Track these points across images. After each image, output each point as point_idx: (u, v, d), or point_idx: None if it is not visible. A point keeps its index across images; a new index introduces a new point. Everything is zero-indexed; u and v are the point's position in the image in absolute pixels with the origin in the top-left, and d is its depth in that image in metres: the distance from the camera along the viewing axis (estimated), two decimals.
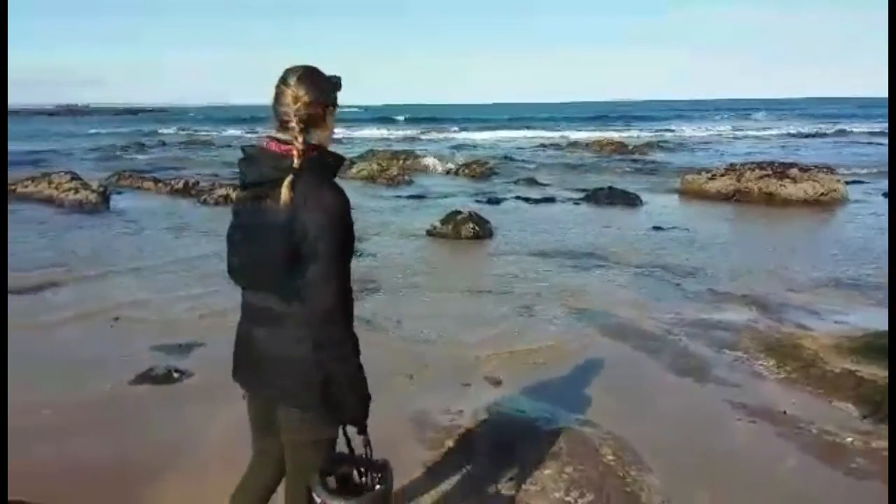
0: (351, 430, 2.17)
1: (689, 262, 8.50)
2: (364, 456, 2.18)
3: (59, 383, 4.73)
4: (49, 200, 13.32)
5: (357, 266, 8.09)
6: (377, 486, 2.15)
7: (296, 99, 2.00)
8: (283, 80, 2.03)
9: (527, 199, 14.27)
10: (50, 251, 9.01)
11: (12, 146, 29.73)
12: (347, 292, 2.06)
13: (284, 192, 1.93)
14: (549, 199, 14.27)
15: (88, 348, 5.54)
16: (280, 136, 2.03)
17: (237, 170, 2.13)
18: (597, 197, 14.01)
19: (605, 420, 4.20)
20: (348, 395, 2.06)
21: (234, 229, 2.15)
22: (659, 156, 25.36)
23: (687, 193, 14.89)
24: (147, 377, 4.87)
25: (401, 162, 21.35)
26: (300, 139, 1.99)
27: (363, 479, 2.16)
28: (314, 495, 2.10)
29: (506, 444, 3.91)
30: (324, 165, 2.04)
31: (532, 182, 17.49)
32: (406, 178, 17.82)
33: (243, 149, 2.13)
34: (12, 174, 17.00)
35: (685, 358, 5.37)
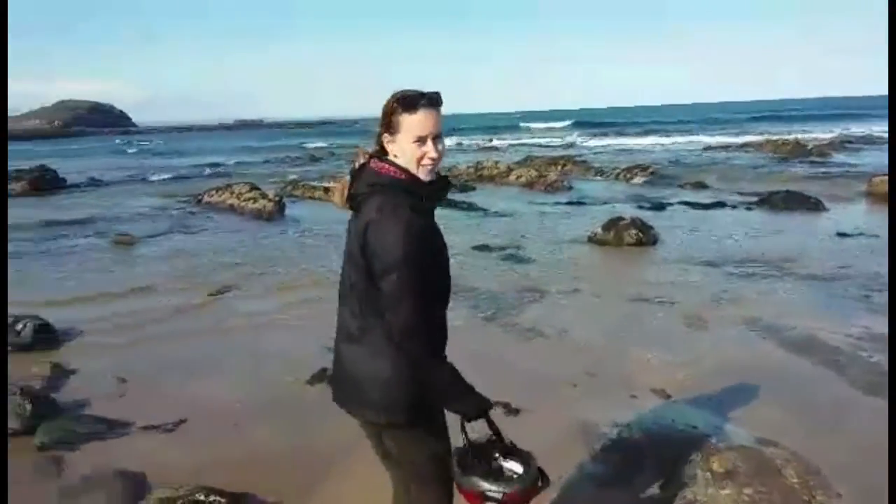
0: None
1: (879, 273, 7.79)
2: (507, 443, 2.20)
3: (247, 379, 5.07)
4: (231, 209, 14.36)
5: (518, 273, 8.17)
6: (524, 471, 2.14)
7: (379, 121, 2.11)
8: None
9: (693, 204, 13.68)
10: (237, 256, 9.69)
11: (201, 159, 32.38)
12: (426, 306, 2.06)
13: (364, 209, 2.04)
14: (719, 204, 13.60)
15: (272, 346, 5.89)
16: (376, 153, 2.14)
17: None
18: (772, 201, 13.19)
19: (786, 439, 3.93)
20: (452, 403, 2.12)
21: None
22: (841, 157, 23.48)
23: (876, 197, 13.68)
24: (323, 376, 5.09)
25: (559, 167, 21.17)
26: (381, 158, 2.10)
27: (507, 463, 2.18)
28: (457, 480, 2.13)
29: (677, 461, 3.74)
30: (400, 186, 2.06)
31: (699, 186, 16.75)
32: (565, 183, 17.63)
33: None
34: (200, 184, 18.52)
35: (876, 376, 4.92)
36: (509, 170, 20.02)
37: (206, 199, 15.46)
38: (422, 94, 2.06)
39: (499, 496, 2.08)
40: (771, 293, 7.14)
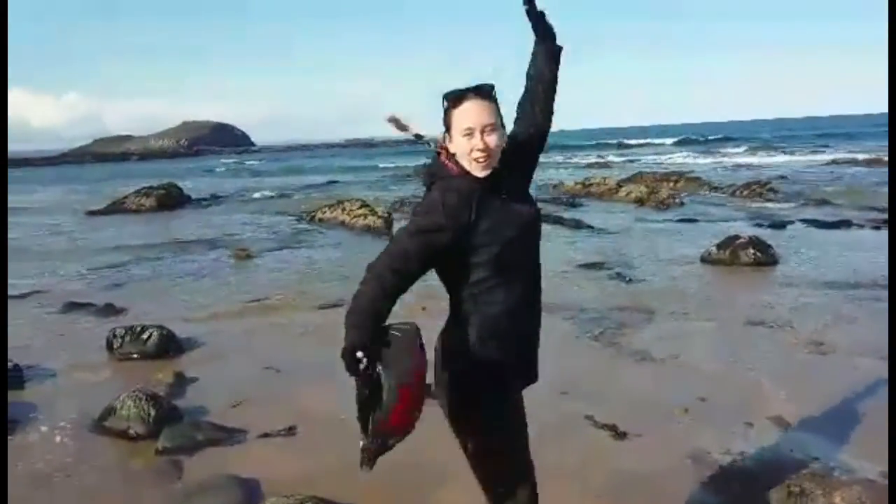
0: None
1: None
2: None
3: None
4: (342, 224, 14.77)
5: (627, 293, 7.98)
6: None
7: None
8: None
9: (816, 223, 13.01)
10: (347, 269, 9.91)
11: (317, 177, 33.49)
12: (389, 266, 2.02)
13: None
14: (844, 223, 12.85)
15: None
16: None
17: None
18: None
19: None
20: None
21: None
22: None
23: None
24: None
25: (671, 184, 20.64)
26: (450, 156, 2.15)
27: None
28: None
29: (797, 492, 3.55)
30: (453, 180, 2.12)
31: (822, 203, 15.94)
32: (677, 200, 17.15)
33: None
34: (315, 202, 19.15)
35: None
36: (619, 186, 19.70)
37: (318, 215, 15.97)
38: (469, 88, 2.11)
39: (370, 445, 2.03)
40: None
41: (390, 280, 1.99)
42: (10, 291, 8.28)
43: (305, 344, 6.43)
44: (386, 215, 14.66)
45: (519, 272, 2.18)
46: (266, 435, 4.44)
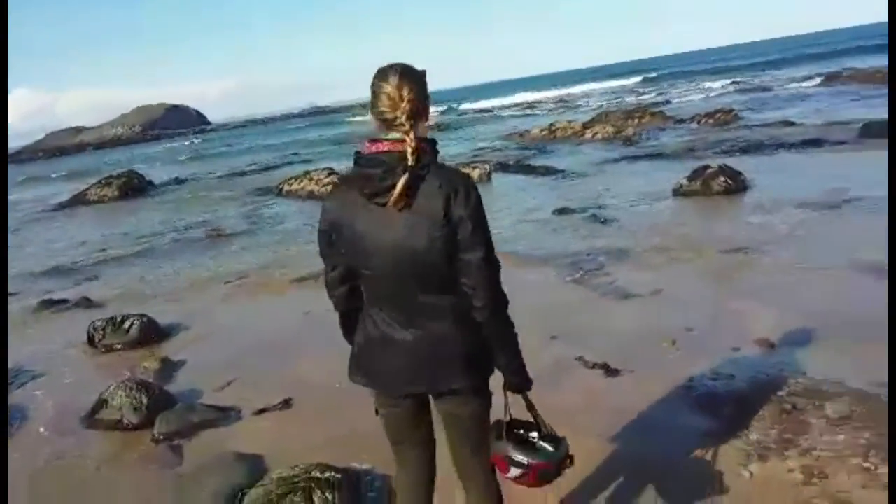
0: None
1: None
2: (546, 428, 2.30)
3: (343, 361, 5.15)
4: (312, 195, 14.59)
5: (604, 234, 8.03)
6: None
7: (401, 97, 1.96)
8: (384, 79, 1.99)
9: (786, 145, 13.07)
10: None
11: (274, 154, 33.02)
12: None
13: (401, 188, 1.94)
14: (814, 143, 12.91)
15: None
16: (386, 135, 2.02)
17: None
18: (872, 131, 12.38)
19: None
20: (515, 368, 2.24)
21: None
22: None
23: None
24: None
25: (636, 120, 20.66)
26: (411, 135, 1.96)
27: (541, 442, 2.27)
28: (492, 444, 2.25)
29: (789, 409, 3.63)
30: (435, 155, 2.04)
31: (787, 124, 16.03)
32: (644, 135, 17.19)
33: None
34: (280, 175, 18.91)
35: None
36: (584, 128, 19.68)
37: (286, 187, 15.77)
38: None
39: (524, 463, 2.19)
40: (873, 230, 6.74)
41: None
42: None
43: (289, 317, 6.38)
44: None
45: None
46: (262, 411, 4.43)
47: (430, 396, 2.23)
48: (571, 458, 2.27)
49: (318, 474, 3.27)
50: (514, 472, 2.20)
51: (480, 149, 20.13)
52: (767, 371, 4.13)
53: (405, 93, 1.96)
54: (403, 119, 1.96)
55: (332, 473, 3.29)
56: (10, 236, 14.30)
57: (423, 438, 2.35)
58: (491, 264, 2.00)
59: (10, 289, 8.92)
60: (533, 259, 7.32)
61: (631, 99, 37.01)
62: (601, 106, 33.01)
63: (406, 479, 2.41)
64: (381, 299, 2.12)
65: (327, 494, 3.15)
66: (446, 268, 1.98)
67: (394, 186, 1.92)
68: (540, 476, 2.22)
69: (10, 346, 6.27)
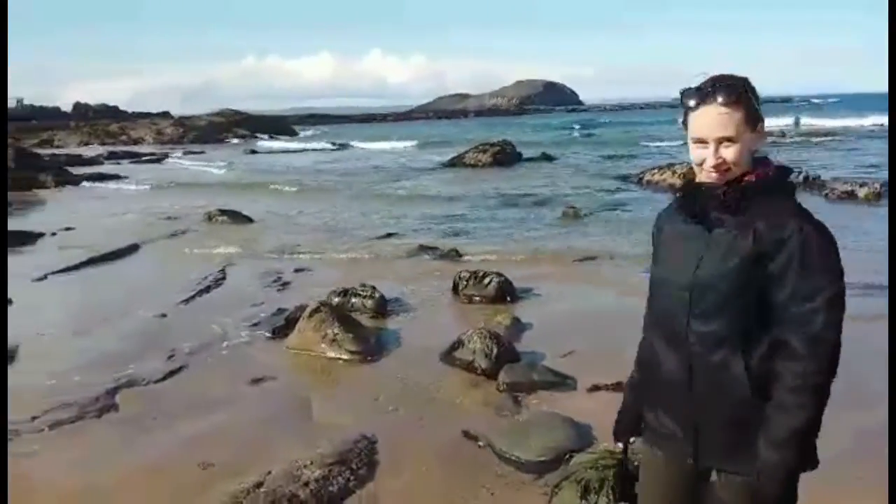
0: None
1: None
2: None
3: None
4: (671, 187, 14.40)
5: None
6: None
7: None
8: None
9: None
10: None
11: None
12: None
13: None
14: None
15: None
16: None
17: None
18: None
19: None
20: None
21: None
22: None
23: None
24: None
25: None
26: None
27: None
28: None
29: None
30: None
31: None
32: None
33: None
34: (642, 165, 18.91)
35: None
36: None
37: (646, 177, 15.77)
38: (698, 89, 1.74)
39: None
40: None
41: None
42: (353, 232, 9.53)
43: (631, 303, 6.48)
44: None
45: None
46: (595, 388, 4.61)
47: None
48: None
49: None
50: None
51: None
52: None
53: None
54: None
55: None
56: (391, 185, 16.42)
57: None
58: None
59: (391, 230, 10.43)
60: None
61: None
62: None
63: None
64: None
65: None
66: None
67: None
68: None
69: (396, 277, 7.35)
